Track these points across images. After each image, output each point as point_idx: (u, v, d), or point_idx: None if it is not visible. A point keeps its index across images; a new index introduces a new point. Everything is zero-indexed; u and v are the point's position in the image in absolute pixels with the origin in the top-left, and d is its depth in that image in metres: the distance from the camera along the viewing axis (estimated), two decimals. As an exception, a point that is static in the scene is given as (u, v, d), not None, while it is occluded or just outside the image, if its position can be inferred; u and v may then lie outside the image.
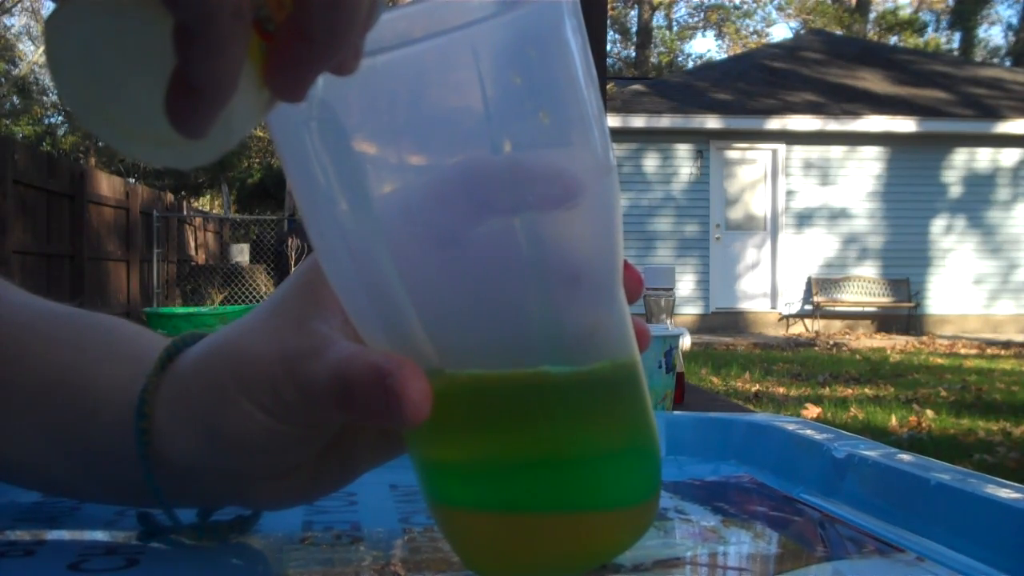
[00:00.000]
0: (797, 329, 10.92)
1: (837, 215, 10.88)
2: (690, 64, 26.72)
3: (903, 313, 10.89)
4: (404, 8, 0.28)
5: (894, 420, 4.27)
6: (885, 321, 10.96)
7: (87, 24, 0.21)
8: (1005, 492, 0.38)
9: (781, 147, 10.79)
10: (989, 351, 8.45)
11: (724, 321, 10.76)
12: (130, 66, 0.22)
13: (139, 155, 0.23)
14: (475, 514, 0.32)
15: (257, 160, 21.36)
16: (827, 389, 5.49)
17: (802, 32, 20.41)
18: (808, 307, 10.91)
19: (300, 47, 0.22)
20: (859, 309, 10.90)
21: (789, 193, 10.83)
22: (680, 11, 27.79)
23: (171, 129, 0.22)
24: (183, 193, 19.41)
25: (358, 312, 0.31)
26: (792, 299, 10.95)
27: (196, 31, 0.20)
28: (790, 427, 0.55)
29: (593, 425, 0.31)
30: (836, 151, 10.82)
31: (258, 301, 9.02)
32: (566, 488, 0.31)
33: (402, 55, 0.27)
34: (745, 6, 26.74)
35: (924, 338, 10.02)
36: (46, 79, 22.47)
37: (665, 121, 10.51)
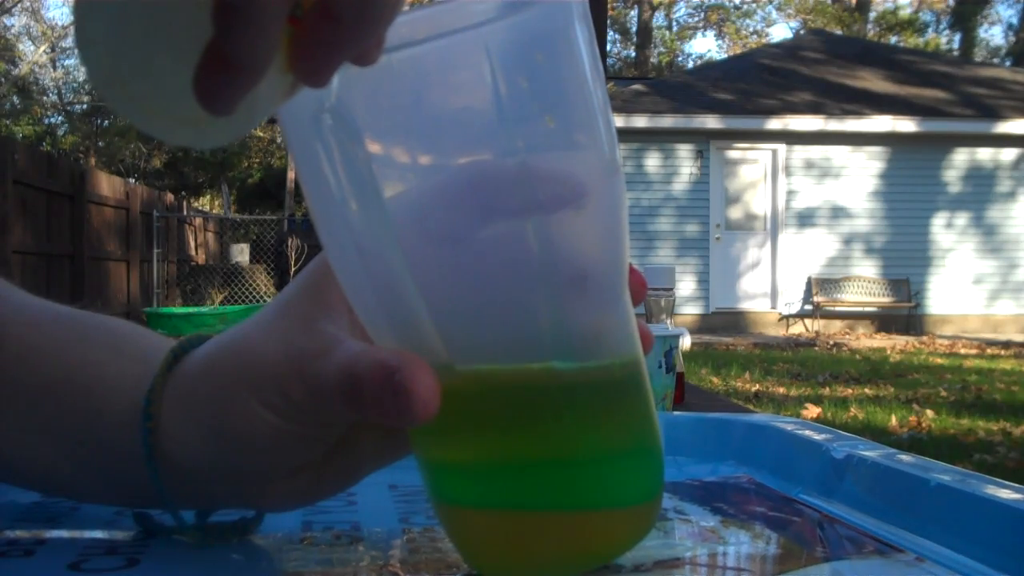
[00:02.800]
0: (797, 329, 10.92)
1: (837, 215, 10.88)
2: (690, 64, 26.73)
3: (903, 313, 10.88)
4: (409, 14, 0.28)
5: (894, 420, 4.27)
6: (885, 321, 10.96)
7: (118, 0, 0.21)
8: (1005, 493, 0.38)
9: (781, 147, 10.78)
10: (989, 351, 8.45)
11: (724, 321, 10.75)
12: (158, 43, 0.22)
13: (159, 133, 0.23)
14: (480, 513, 0.32)
15: (257, 160, 21.36)
16: (827, 389, 5.49)
17: (802, 32, 20.42)
18: (808, 307, 10.91)
19: (328, 29, 0.22)
20: (859, 309, 10.89)
21: (789, 193, 10.83)
22: (680, 11, 27.81)
23: (194, 108, 0.22)
24: (183, 193, 19.40)
25: (367, 309, 0.31)
26: (792, 299, 10.94)
27: (239, 6, 0.20)
28: (789, 427, 0.55)
29: (599, 423, 0.31)
30: (836, 151, 10.81)
31: (258, 301, 9.03)
32: (572, 487, 0.31)
33: (415, 54, 0.27)
34: (745, 6, 26.74)
35: (924, 338, 10.02)
36: (46, 79, 22.48)
37: (665, 121, 10.50)
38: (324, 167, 0.28)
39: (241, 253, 10.34)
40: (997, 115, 10.83)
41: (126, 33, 0.21)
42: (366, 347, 0.31)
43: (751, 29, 27.08)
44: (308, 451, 0.35)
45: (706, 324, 10.66)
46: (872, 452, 0.47)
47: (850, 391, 5.40)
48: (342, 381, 0.30)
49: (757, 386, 5.53)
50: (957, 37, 26.03)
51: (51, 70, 22.86)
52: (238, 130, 0.24)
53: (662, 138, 10.62)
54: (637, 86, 11.83)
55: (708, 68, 14.10)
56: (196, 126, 0.23)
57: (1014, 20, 26.68)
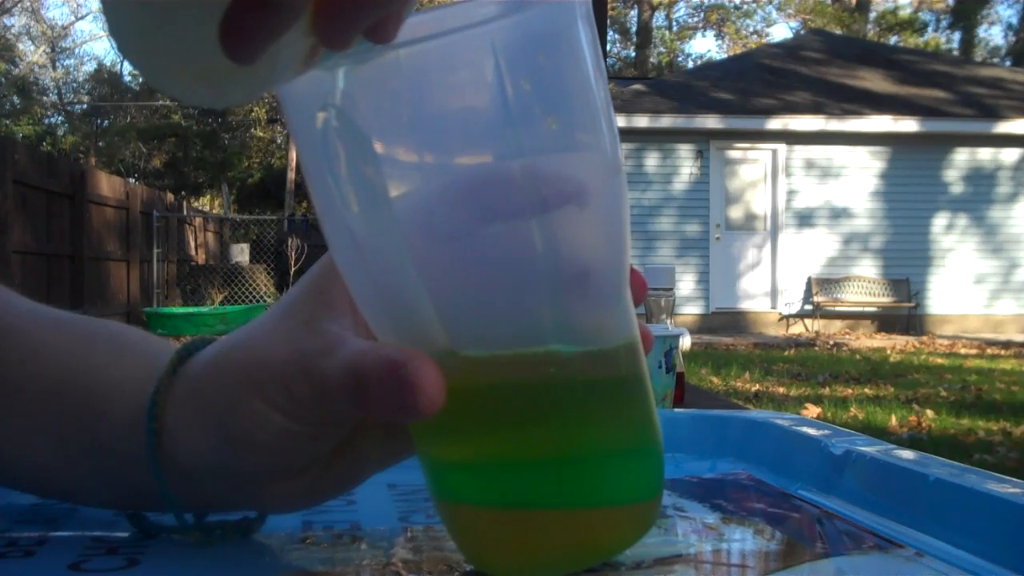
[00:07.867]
0: (797, 329, 10.91)
1: (837, 215, 10.88)
2: (690, 64, 26.73)
3: (903, 313, 10.88)
4: (414, 16, 0.28)
5: (894, 420, 4.27)
6: (885, 321, 10.95)
7: None
8: (1003, 487, 0.38)
9: (781, 147, 10.78)
10: (989, 351, 8.45)
11: (724, 321, 10.75)
12: None
13: (175, 91, 0.23)
14: (481, 510, 0.32)
15: (257, 160, 21.37)
16: (827, 389, 5.49)
17: (802, 32, 20.41)
18: (808, 307, 10.91)
19: None
20: (859, 309, 10.89)
21: (789, 193, 10.83)
22: (680, 11, 27.81)
23: (214, 61, 0.22)
24: (183, 193, 19.40)
25: (370, 305, 0.31)
26: (792, 299, 10.94)
27: None
28: (786, 424, 0.55)
29: (600, 420, 0.31)
30: (836, 151, 10.81)
31: (258, 301, 9.03)
32: (573, 484, 0.31)
33: (418, 52, 0.27)
34: (745, 6, 26.74)
35: (924, 338, 10.01)
36: (46, 79, 22.47)
37: (665, 121, 10.50)
38: (329, 165, 0.28)
39: (241, 253, 10.35)
40: (997, 115, 10.83)
41: None
42: (371, 344, 0.31)
43: (751, 29, 27.09)
44: (313, 451, 0.35)
45: (706, 324, 10.66)
46: (870, 448, 0.47)
47: (850, 391, 5.40)
48: (347, 378, 0.31)
49: (757, 386, 5.53)
50: (957, 37, 26.03)
51: (51, 70, 22.87)
52: (255, 89, 0.24)
53: (662, 138, 10.61)
54: (637, 86, 11.83)
55: (708, 68, 14.09)
56: (214, 82, 0.23)
57: (1014, 20, 26.69)
